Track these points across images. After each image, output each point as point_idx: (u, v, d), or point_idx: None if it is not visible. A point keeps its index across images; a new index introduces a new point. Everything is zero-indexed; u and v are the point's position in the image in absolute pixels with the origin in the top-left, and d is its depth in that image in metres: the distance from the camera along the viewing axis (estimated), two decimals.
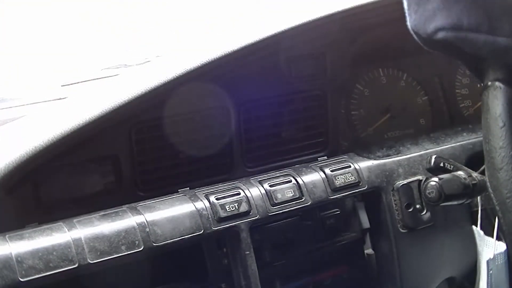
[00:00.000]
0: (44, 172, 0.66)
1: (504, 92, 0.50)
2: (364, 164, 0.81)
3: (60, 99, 0.92)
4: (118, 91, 0.70)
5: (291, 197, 0.74)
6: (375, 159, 0.83)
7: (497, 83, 0.51)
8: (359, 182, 0.79)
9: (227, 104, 0.77)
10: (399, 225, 0.82)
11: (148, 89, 0.68)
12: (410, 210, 0.82)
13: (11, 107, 0.95)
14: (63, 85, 1.05)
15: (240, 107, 0.78)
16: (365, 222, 0.84)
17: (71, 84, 1.05)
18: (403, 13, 0.88)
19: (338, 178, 0.78)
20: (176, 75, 0.70)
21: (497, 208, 0.52)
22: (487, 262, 0.81)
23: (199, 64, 0.71)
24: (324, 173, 0.78)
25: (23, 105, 0.96)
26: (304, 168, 0.79)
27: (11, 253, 0.56)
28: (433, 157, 0.81)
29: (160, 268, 0.73)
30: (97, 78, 1.04)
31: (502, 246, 0.81)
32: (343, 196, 0.78)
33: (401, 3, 0.86)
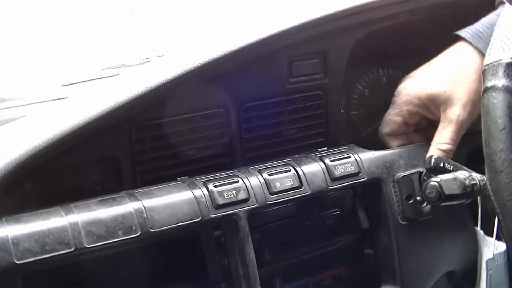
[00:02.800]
0: (44, 172, 0.66)
1: (504, 95, 0.51)
2: (365, 155, 0.81)
3: (60, 99, 0.92)
4: (118, 91, 0.70)
5: (290, 186, 0.74)
6: (375, 150, 0.83)
7: (497, 86, 0.51)
8: (359, 172, 0.79)
9: (227, 103, 0.77)
10: (399, 217, 0.82)
11: (148, 89, 0.68)
12: (411, 202, 0.82)
13: (11, 107, 0.95)
14: (63, 85, 1.05)
15: (240, 107, 0.78)
16: (365, 222, 0.84)
17: (71, 84, 1.05)
18: (405, 13, 0.89)
19: (337, 168, 0.77)
20: (176, 75, 0.70)
21: (498, 210, 0.52)
22: (487, 262, 0.81)
23: (199, 64, 0.71)
24: (324, 163, 0.77)
25: (23, 105, 0.96)
26: (303, 158, 0.79)
27: (7, 236, 0.57)
28: (433, 157, 0.81)
29: (159, 268, 0.73)
30: (97, 78, 1.05)
31: (502, 246, 0.82)
32: (342, 186, 0.78)
33: (403, 3, 0.87)
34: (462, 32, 0.83)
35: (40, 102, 0.96)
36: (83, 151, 0.68)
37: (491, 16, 0.82)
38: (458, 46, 0.84)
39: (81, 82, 1.05)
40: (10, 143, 0.66)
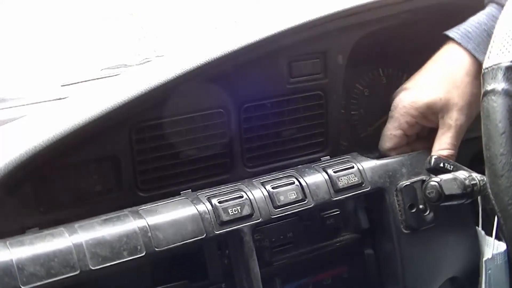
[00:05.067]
0: (44, 172, 0.66)
1: (504, 99, 0.50)
2: (367, 164, 0.81)
3: (60, 99, 0.92)
4: (118, 91, 0.70)
5: (294, 199, 0.74)
6: (378, 159, 0.83)
7: (497, 90, 0.51)
8: (362, 183, 0.79)
9: (227, 103, 0.77)
10: (402, 226, 0.82)
11: (148, 89, 0.68)
12: (413, 210, 0.82)
13: (11, 107, 0.95)
14: (63, 85, 1.05)
15: (240, 107, 0.78)
16: (365, 222, 0.84)
17: (71, 84, 1.05)
18: (405, 13, 0.89)
19: (341, 179, 0.78)
20: (176, 75, 0.70)
21: (499, 214, 0.52)
22: (485, 262, 0.81)
23: (199, 64, 0.71)
24: (327, 174, 0.78)
25: (23, 105, 0.96)
26: (307, 169, 0.79)
27: (11, 260, 0.56)
28: (433, 157, 0.81)
29: (159, 268, 0.73)
30: (97, 78, 1.05)
31: (502, 246, 0.82)
32: (346, 197, 0.78)
33: (403, 3, 0.87)
34: (451, 33, 0.83)
35: (40, 102, 0.96)
36: (83, 151, 0.68)
37: (479, 16, 0.82)
38: (448, 48, 0.84)
39: (81, 82, 1.05)
40: (10, 143, 0.66)
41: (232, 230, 0.69)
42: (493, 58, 0.53)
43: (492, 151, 0.52)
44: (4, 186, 0.61)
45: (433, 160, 0.80)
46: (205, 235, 0.67)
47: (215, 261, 0.74)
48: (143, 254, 0.62)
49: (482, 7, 0.85)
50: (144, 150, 0.72)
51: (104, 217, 0.64)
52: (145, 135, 0.72)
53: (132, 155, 0.71)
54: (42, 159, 0.63)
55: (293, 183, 0.75)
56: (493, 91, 0.51)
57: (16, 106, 0.95)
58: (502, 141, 0.51)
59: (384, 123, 0.89)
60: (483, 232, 0.84)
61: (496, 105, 0.51)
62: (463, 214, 0.86)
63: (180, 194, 0.73)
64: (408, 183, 0.82)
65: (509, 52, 0.52)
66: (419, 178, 0.83)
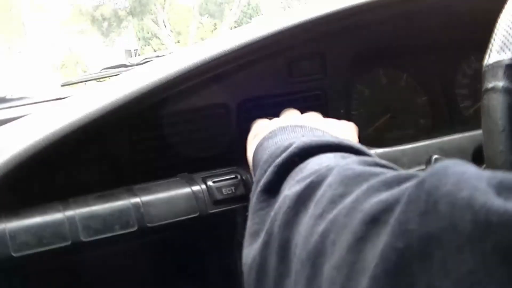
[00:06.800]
0: (43, 171, 0.66)
1: (504, 96, 0.50)
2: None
3: (60, 98, 0.93)
4: (118, 91, 0.70)
5: None
6: (378, 148, 0.83)
7: (497, 87, 0.51)
8: None
9: (227, 103, 0.77)
10: None
11: (148, 88, 0.69)
12: None
13: (11, 107, 0.95)
14: (63, 85, 1.06)
15: (240, 107, 0.78)
16: None
17: (71, 84, 1.05)
18: (404, 12, 0.89)
19: None
20: (176, 74, 0.70)
21: None
22: None
23: (199, 63, 0.71)
24: None
25: (23, 105, 0.96)
26: None
27: (4, 229, 0.58)
28: (434, 157, 0.81)
29: (159, 268, 0.73)
30: (97, 78, 1.05)
31: None
32: None
33: (403, 3, 0.87)
34: None
35: (40, 102, 0.96)
36: (83, 151, 0.68)
37: None
38: None
39: (81, 82, 1.05)
40: (11, 142, 0.66)
41: (226, 210, 0.69)
42: (494, 56, 0.53)
43: (491, 149, 0.52)
44: (5, 184, 0.61)
45: (433, 160, 0.80)
46: (198, 213, 0.67)
47: (215, 262, 0.74)
48: (135, 228, 0.63)
49: (481, 7, 0.85)
50: (144, 150, 0.73)
51: (99, 193, 0.65)
52: (145, 135, 0.72)
53: (132, 155, 0.71)
54: (42, 159, 0.63)
55: None
56: (493, 89, 0.51)
57: (16, 106, 0.95)
58: (502, 139, 0.50)
59: (384, 123, 0.89)
60: None
61: (496, 103, 0.51)
62: None
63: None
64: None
65: (509, 50, 0.52)
66: (420, 167, 0.83)
